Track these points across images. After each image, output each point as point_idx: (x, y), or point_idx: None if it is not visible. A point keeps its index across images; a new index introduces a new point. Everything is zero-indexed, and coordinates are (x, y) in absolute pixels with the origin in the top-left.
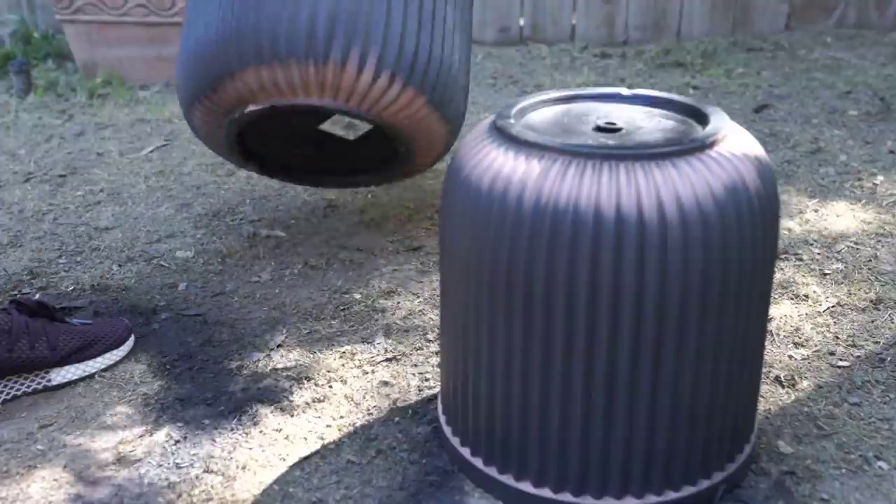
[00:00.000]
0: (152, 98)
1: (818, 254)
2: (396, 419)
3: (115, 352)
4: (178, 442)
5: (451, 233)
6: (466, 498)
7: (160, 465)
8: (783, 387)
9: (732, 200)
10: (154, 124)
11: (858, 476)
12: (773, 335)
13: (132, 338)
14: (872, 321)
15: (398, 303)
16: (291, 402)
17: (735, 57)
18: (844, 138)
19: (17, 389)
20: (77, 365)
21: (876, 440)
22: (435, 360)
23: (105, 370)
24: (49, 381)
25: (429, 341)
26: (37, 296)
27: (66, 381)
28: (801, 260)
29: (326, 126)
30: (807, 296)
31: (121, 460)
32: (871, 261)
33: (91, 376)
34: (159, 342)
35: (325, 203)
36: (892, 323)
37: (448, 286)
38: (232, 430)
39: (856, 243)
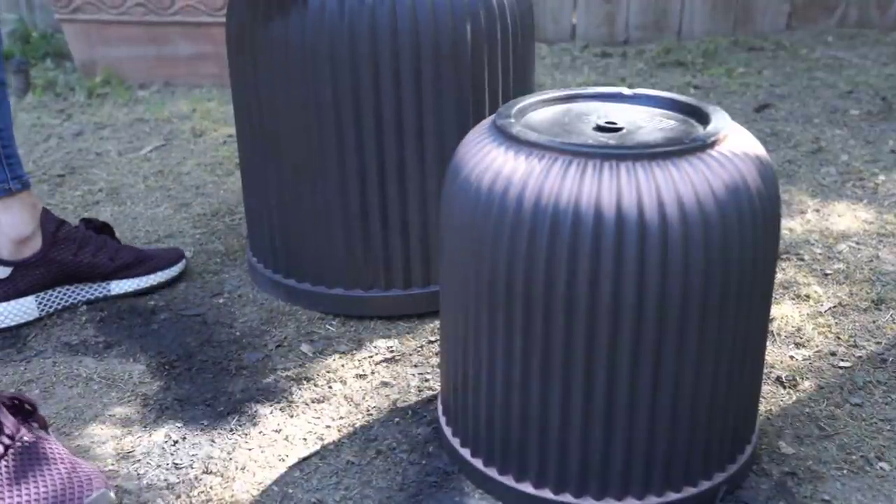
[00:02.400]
0: (151, 98)
1: (819, 254)
2: (396, 420)
3: (167, 270)
4: (176, 442)
5: (451, 233)
6: (466, 499)
7: (159, 466)
8: (784, 387)
9: (733, 200)
10: (153, 124)
11: (860, 477)
12: (774, 335)
13: (184, 261)
14: (874, 321)
15: None
16: (291, 402)
17: (736, 56)
18: (846, 138)
19: (82, 295)
20: (133, 279)
21: (878, 441)
22: (435, 360)
23: (104, 371)
24: (109, 290)
25: (429, 341)
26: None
27: (123, 291)
28: (802, 260)
29: None
30: (808, 296)
31: (119, 461)
32: (872, 261)
33: (146, 291)
34: (158, 342)
35: None
36: (894, 323)
37: (448, 286)
38: (231, 430)
39: (857, 243)
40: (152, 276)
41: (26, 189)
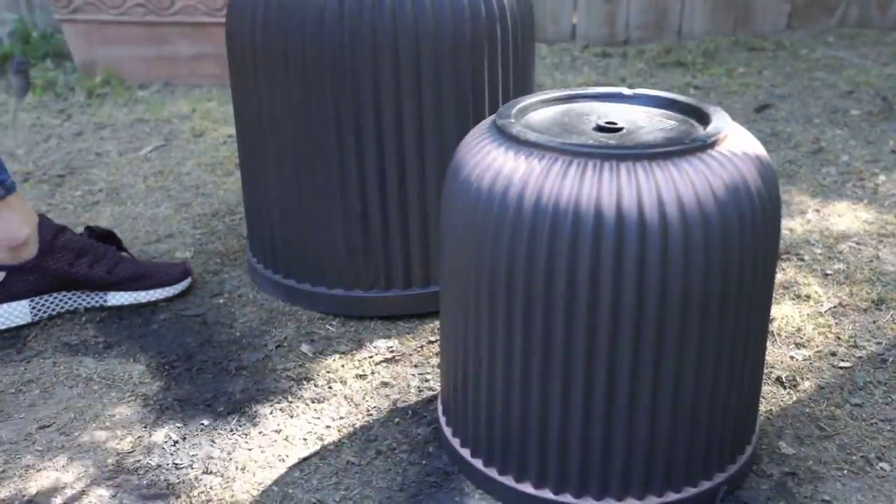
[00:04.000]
0: (151, 98)
1: (820, 254)
2: (396, 420)
3: (167, 288)
4: (176, 443)
5: (451, 232)
6: (466, 499)
7: (159, 466)
8: (784, 387)
9: (734, 200)
10: (153, 124)
11: (860, 477)
12: (774, 336)
13: (188, 280)
14: (874, 322)
15: None
16: (291, 402)
17: (736, 56)
18: (846, 138)
19: (78, 303)
20: (130, 293)
21: (878, 441)
22: (435, 360)
23: (104, 371)
24: (105, 301)
25: (429, 341)
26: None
27: (119, 304)
28: (802, 260)
29: None
30: (808, 296)
31: (119, 461)
32: (872, 261)
33: (145, 305)
34: (158, 343)
35: None
36: (894, 323)
37: (448, 286)
38: (231, 430)
39: (857, 243)
40: (151, 292)
41: (12, 193)
